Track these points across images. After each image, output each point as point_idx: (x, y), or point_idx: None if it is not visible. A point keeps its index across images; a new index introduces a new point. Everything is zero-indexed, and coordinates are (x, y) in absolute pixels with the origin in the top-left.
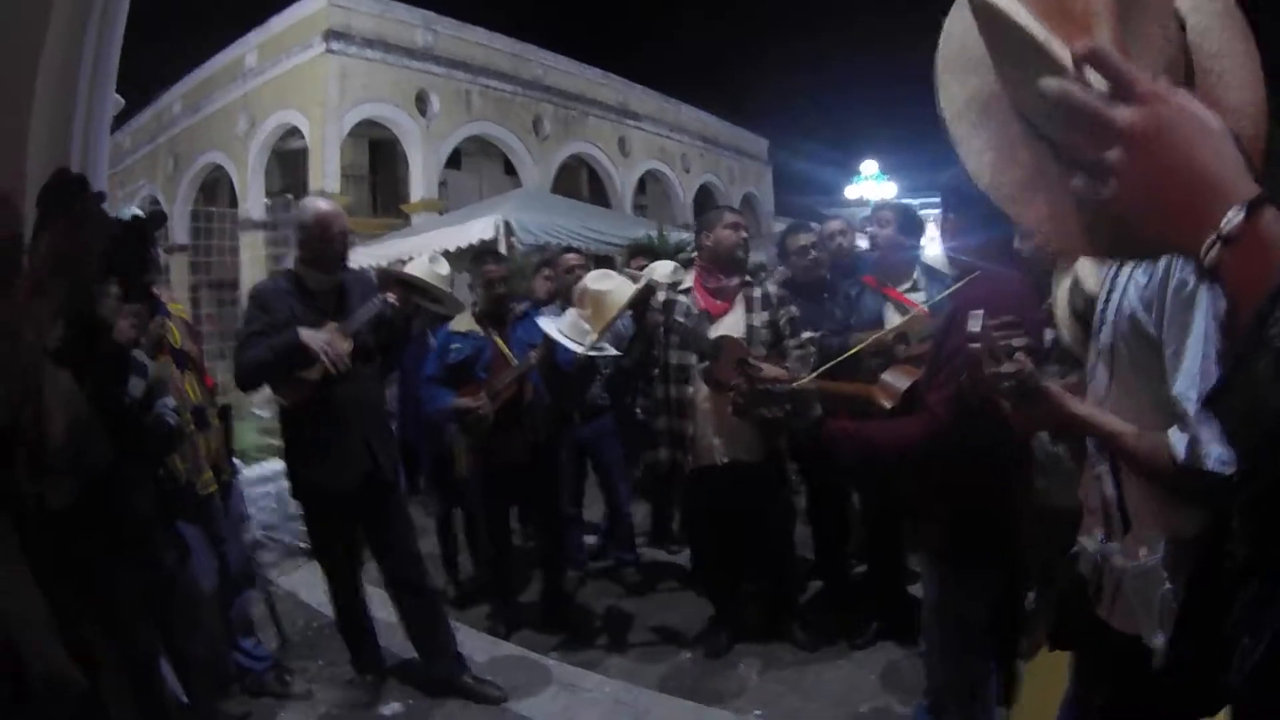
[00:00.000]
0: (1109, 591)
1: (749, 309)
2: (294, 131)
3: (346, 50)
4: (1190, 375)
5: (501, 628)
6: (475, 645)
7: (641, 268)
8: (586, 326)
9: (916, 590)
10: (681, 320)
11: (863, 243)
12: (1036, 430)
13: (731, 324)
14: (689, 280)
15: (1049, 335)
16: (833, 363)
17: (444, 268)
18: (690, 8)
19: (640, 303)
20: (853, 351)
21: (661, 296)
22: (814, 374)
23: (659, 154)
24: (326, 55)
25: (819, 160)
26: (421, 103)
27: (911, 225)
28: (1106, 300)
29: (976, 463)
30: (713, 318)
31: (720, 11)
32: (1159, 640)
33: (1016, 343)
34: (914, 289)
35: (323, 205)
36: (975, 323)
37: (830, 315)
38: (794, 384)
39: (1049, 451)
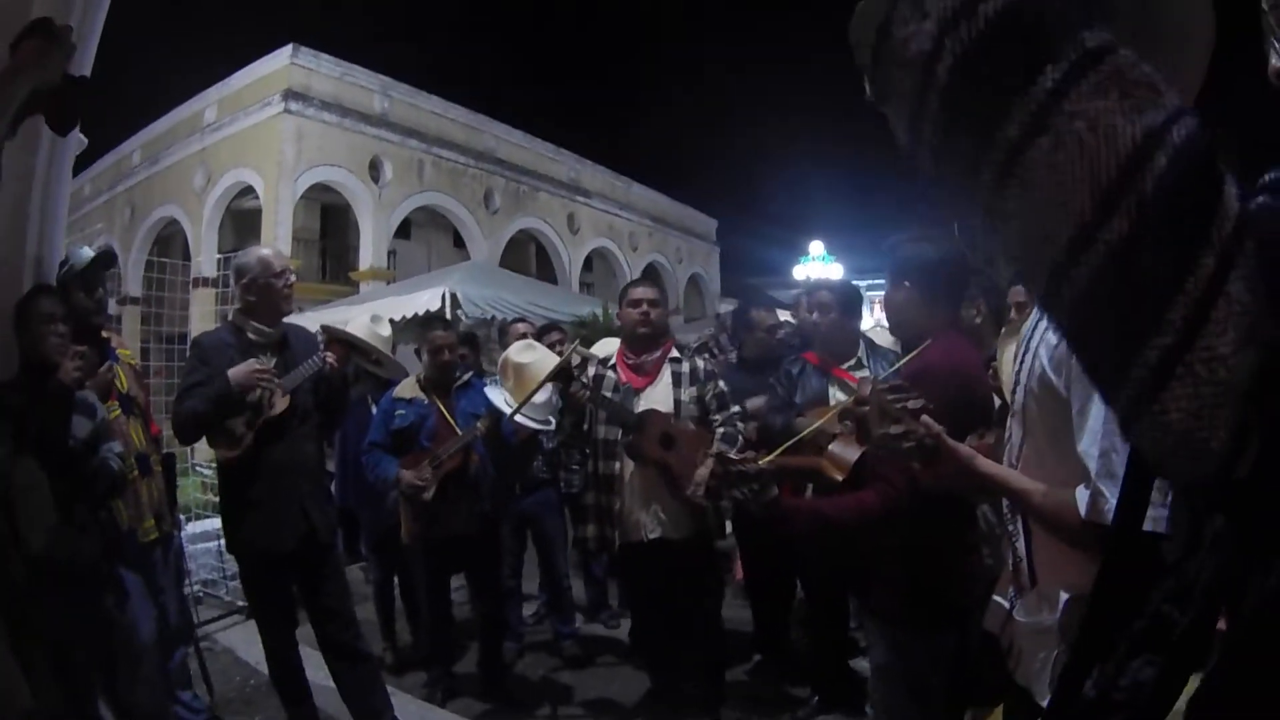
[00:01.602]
0: (1014, 648)
1: (676, 384)
2: (249, 190)
3: (304, 111)
4: (1094, 433)
5: (439, 695)
6: (412, 712)
7: (555, 343)
8: (511, 400)
9: (856, 663)
10: (608, 394)
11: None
12: (949, 488)
13: (658, 397)
14: (614, 356)
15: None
16: (794, 440)
17: (385, 328)
18: (647, 88)
19: (562, 376)
20: (813, 429)
21: (592, 370)
22: (777, 452)
23: (607, 231)
24: (284, 115)
25: (767, 241)
26: (375, 169)
27: (851, 303)
28: (1021, 361)
29: (927, 527)
30: (636, 391)
31: (675, 93)
32: (1045, 701)
33: (911, 405)
34: (859, 365)
35: (266, 251)
36: (865, 386)
37: (773, 393)
38: (760, 463)
39: (989, 519)
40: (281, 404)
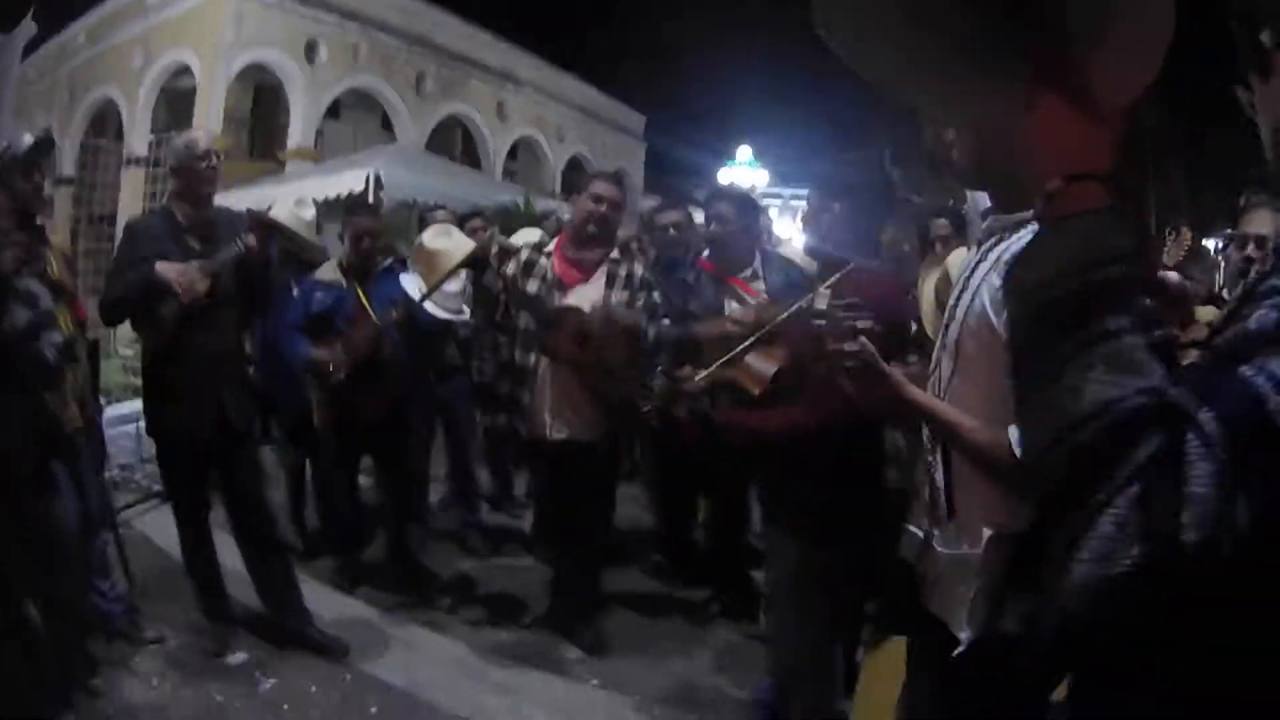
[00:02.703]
0: (930, 578)
1: (609, 285)
2: (185, 70)
3: None
4: None
5: (346, 583)
6: (320, 599)
7: (476, 230)
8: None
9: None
10: (538, 283)
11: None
12: (877, 412)
13: (587, 295)
14: (553, 244)
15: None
16: (728, 356)
17: (308, 213)
18: None
19: (475, 264)
20: (747, 344)
21: (524, 255)
22: (714, 367)
23: (535, 121)
24: None
25: (693, 143)
26: (310, 50)
27: (750, 212)
28: (958, 298)
29: (842, 443)
30: (565, 286)
31: None
32: (964, 633)
33: (860, 324)
34: (754, 277)
35: (192, 134)
36: (822, 301)
37: (667, 302)
38: (697, 379)
39: (898, 442)
40: (202, 287)
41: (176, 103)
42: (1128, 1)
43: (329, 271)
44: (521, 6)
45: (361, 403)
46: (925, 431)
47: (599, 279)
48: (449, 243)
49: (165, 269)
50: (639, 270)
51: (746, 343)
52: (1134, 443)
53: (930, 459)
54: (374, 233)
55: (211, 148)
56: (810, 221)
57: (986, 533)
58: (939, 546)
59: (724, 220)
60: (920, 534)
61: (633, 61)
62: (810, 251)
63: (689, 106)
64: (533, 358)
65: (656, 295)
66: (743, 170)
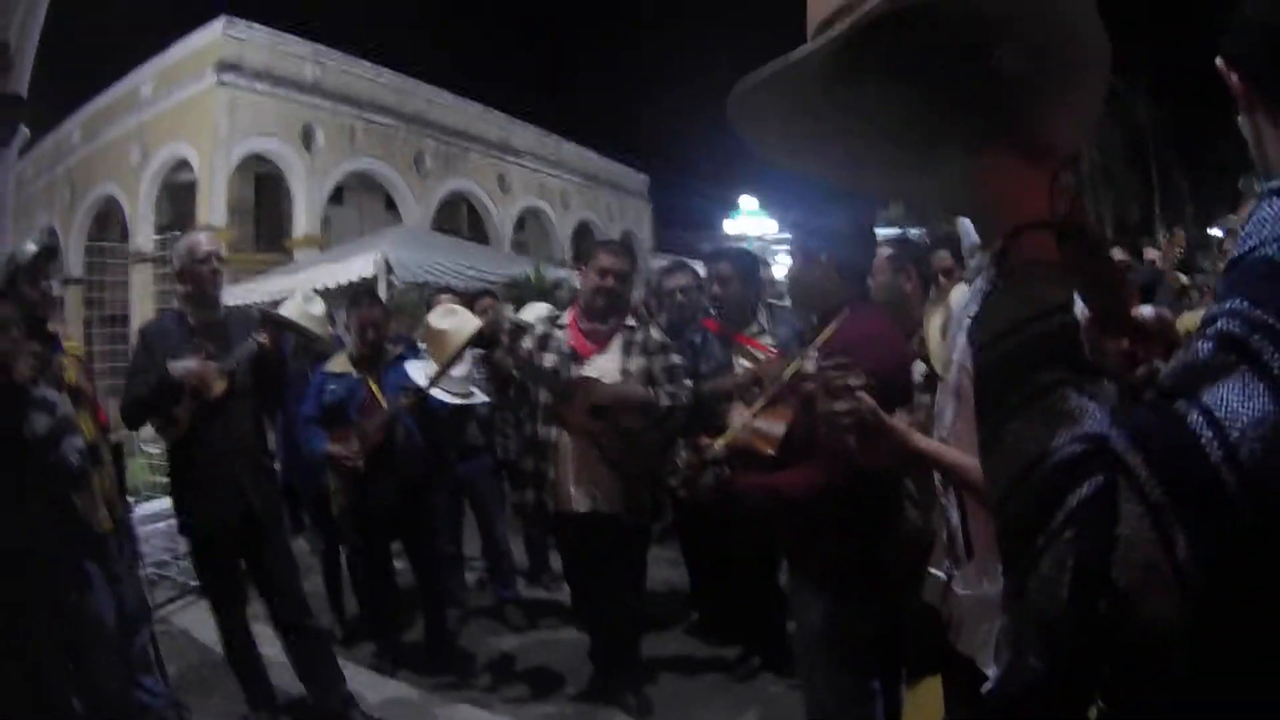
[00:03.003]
0: (955, 620)
1: (627, 351)
2: (184, 164)
3: (237, 82)
4: None
5: (387, 665)
6: (362, 682)
7: (486, 309)
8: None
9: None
10: (554, 356)
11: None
12: (884, 464)
13: (604, 366)
14: (567, 316)
15: (920, 368)
16: (754, 409)
17: (317, 307)
18: (574, 45)
19: (480, 342)
20: (761, 401)
21: (540, 330)
22: (726, 437)
23: (538, 191)
24: (218, 87)
25: (698, 195)
26: (307, 137)
27: (749, 270)
28: (955, 338)
29: (859, 495)
30: (580, 357)
31: (603, 49)
32: (991, 669)
33: (853, 382)
34: (760, 331)
35: (193, 236)
36: (810, 363)
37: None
38: (717, 446)
39: (909, 485)
40: (219, 387)
41: (179, 197)
42: (1063, 54)
43: (339, 364)
44: (513, 77)
45: (377, 489)
46: (937, 477)
47: (615, 348)
48: (455, 322)
49: (179, 369)
50: (655, 335)
51: (754, 408)
52: (1070, 489)
53: (944, 501)
54: (379, 322)
55: (213, 249)
56: (799, 277)
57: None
58: (959, 589)
59: (724, 279)
60: (942, 576)
61: (631, 122)
62: (800, 306)
63: (691, 161)
64: (553, 431)
65: (675, 357)
66: (748, 219)
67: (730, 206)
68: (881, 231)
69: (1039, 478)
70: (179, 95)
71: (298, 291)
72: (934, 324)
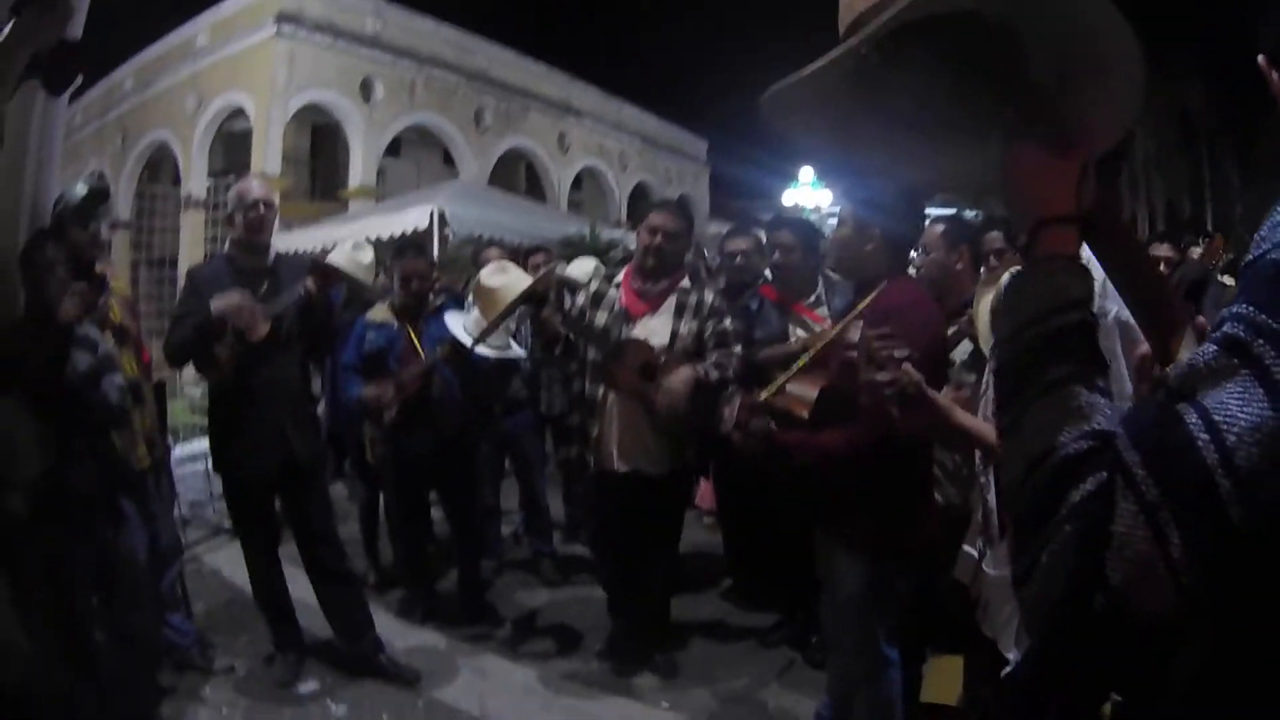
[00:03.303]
0: (982, 599)
1: (679, 314)
2: (239, 113)
3: (296, 34)
4: None
5: (418, 613)
6: (393, 629)
7: (540, 265)
8: (478, 319)
9: None
10: (606, 314)
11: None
12: (925, 436)
13: (655, 327)
14: (621, 275)
15: (967, 347)
16: (782, 379)
17: (366, 255)
18: (640, 9)
19: (532, 300)
20: (800, 363)
21: (594, 285)
22: (774, 386)
23: (597, 151)
24: (276, 38)
25: (757, 165)
26: (366, 89)
27: (812, 240)
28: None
29: (900, 460)
30: (631, 317)
31: (668, 13)
32: (1012, 653)
33: (897, 353)
34: (818, 303)
35: (245, 182)
36: (855, 332)
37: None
38: (762, 396)
39: (954, 459)
40: (262, 330)
41: (233, 145)
42: (1096, 55)
43: (380, 313)
44: (578, 37)
45: (414, 439)
46: (978, 455)
47: (668, 309)
48: (506, 279)
49: (219, 302)
50: (709, 298)
51: (790, 372)
52: (1074, 484)
53: (983, 480)
54: (423, 274)
55: (262, 196)
56: (845, 245)
57: None
58: (988, 568)
59: (786, 248)
60: (975, 554)
61: (693, 87)
62: (843, 273)
63: (753, 130)
64: (600, 389)
65: (728, 322)
66: (806, 191)
67: (789, 177)
68: (936, 210)
69: (1045, 471)
70: (237, 45)
71: (348, 240)
72: (984, 304)
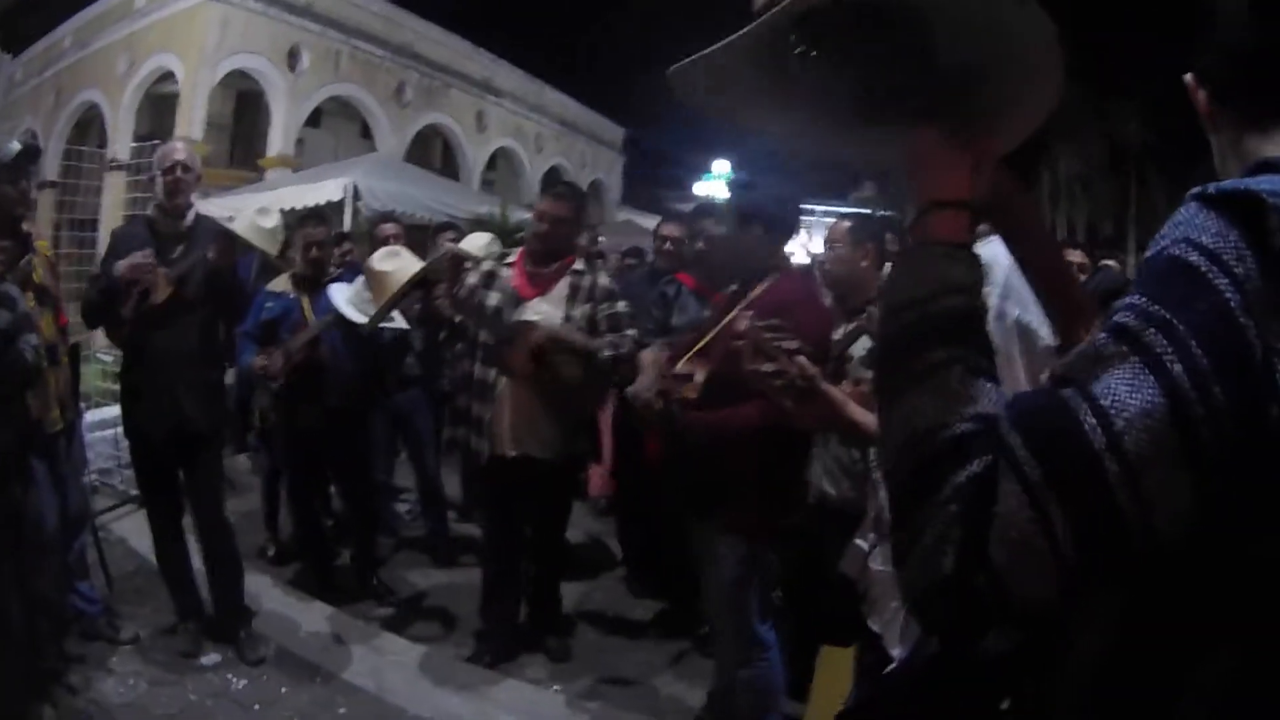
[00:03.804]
0: (870, 594)
1: (572, 297)
2: (168, 76)
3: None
4: None
5: (311, 587)
6: (289, 604)
7: (450, 241)
8: (368, 297)
9: None
10: (498, 295)
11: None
12: (821, 430)
13: (545, 310)
14: (515, 256)
15: (866, 343)
16: (679, 362)
17: (268, 220)
18: None
19: (422, 283)
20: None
21: (486, 266)
22: (682, 362)
23: (514, 132)
24: (210, 2)
25: (673, 155)
26: (293, 58)
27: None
28: None
29: (776, 444)
30: (521, 299)
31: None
32: (895, 650)
33: (787, 345)
34: None
35: (167, 145)
36: (744, 321)
37: (647, 315)
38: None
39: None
40: (163, 293)
41: (160, 107)
42: (1013, 50)
43: (280, 282)
44: (502, 16)
45: (305, 412)
46: (873, 450)
47: (559, 292)
48: (398, 264)
49: (123, 262)
50: (602, 281)
51: (687, 356)
52: (958, 466)
53: (875, 475)
54: (321, 242)
55: (182, 159)
56: (728, 243)
57: None
58: (876, 564)
59: (710, 237)
60: (864, 547)
61: (613, 73)
62: (726, 272)
63: (669, 119)
64: (492, 372)
65: (620, 305)
66: (719, 183)
67: (703, 169)
68: (847, 208)
69: (928, 452)
70: (173, 7)
71: (252, 206)
72: None
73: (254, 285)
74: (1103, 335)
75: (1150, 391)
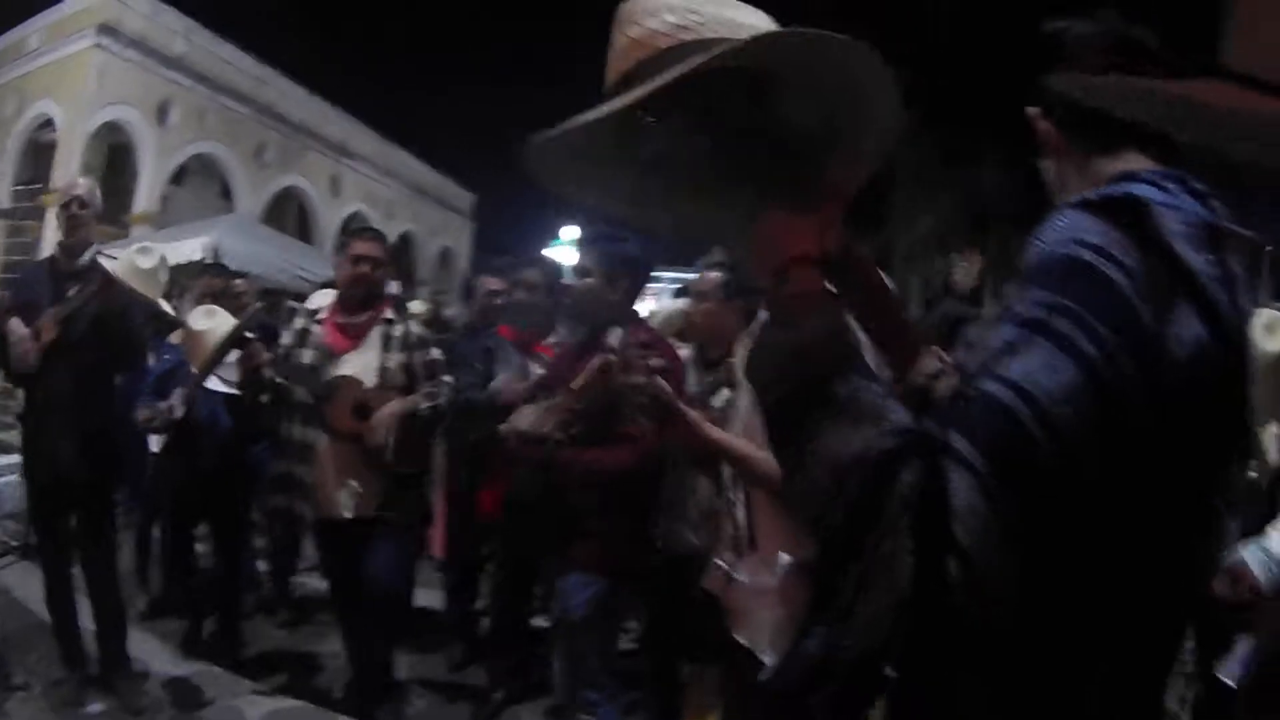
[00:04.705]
0: (736, 609)
1: (385, 348)
2: (49, 123)
3: (111, 47)
4: None
5: (180, 643)
6: (159, 656)
7: (241, 293)
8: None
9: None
10: (312, 353)
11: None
12: (680, 448)
13: (361, 363)
14: (325, 311)
15: (726, 394)
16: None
17: (146, 261)
18: (422, 51)
19: (238, 342)
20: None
21: (299, 323)
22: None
23: (367, 197)
24: (94, 49)
25: (521, 221)
26: (162, 112)
27: (555, 279)
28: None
29: (635, 485)
30: (335, 354)
31: (447, 59)
32: (769, 657)
33: (654, 363)
34: (558, 343)
35: (70, 182)
36: (615, 338)
37: (470, 369)
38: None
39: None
40: (48, 335)
41: (40, 154)
42: (859, 104)
43: (179, 334)
44: (360, 76)
45: (179, 469)
46: (726, 474)
47: (372, 342)
48: (212, 323)
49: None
50: (414, 329)
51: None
52: (895, 477)
53: (731, 497)
54: (219, 294)
55: (80, 194)
56: (588, 295)
57: (784, 561)
58: (741, 578)
59: (531, 287)
60: (724, 565)
61: (464, 139)
62: (580, 320)
63: (518, 185)
64: (312, 432)
65: (434, 352)
66: (569, 249)
67: (552, 235)
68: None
69: (862, 475)
70: (63, 51)
71: (133, 246)
72: (741, 353)
73: (141, 330)
74: (1008, 327)
75: (1068, 373)
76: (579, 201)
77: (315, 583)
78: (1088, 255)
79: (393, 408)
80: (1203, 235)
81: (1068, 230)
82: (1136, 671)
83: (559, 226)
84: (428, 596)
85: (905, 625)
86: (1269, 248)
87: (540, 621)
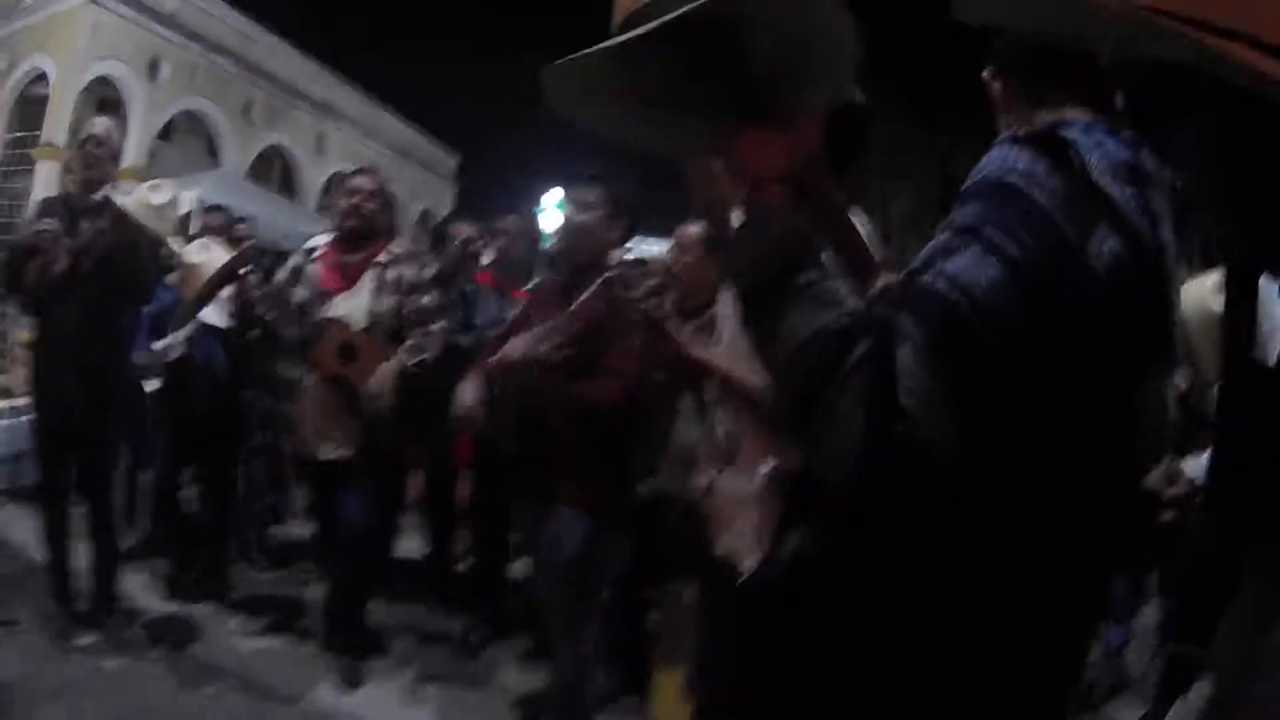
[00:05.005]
0: (716, 518)
1: (378, 290)
2: (41, 78)
3: (105, 2)
4: None
5: (166, 583)
6: (142, 595)
7: (242, 238)
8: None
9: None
10: (305, 292)
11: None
12: (667, 369)
13: (352, 305)
14: (321, 247)
15: None
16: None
17: (159, 196)
18: (417, 17)
19: (232, 276)
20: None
21: (294, 259)
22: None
23: (351, 156)
24: (87, 5)
25: (503, 185)
26: (153, 68)
27: (533, 229)
28: None
29: (624, 425)
30: (327, 295)
31: (444, 28)
32: (748, 562)
33: (650, 282)
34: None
35: (91, 120)
36: (614, 261)
37: (450, 313)
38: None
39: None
40: (62, 264)
41: (30, 109)
42: (822, 46)
43: (175, 276)
44: (348, 32)
45: (175, 409)
46: (710, 391)
47: (365, 285)
48: (207, 256)
49: (23, 231)
50: (408, 274)
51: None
52: (848, 350)
53: (716, 415)
54: (216, 231)
55: (96, 133)
56: (585, 229)
57: (762, 469)
58: (721, 487)
59: (510, 236)
60: (706, 480)
61: (449, 100)
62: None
63: (502, 148)
64: (299, 371)
65: (427, 299)
66: (551, 213)
67: (534, 199)
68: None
69: (818, 347)
70: (56, 7)
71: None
72: (725, 300)
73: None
74: (947, 233)
75: (992, 269)
76: (585, 124)
77: (299, 530)
78: (1014, 179)
79: (391, 366)
80: (1124, 173)
81: (999, 160)
82: (1076, 558)
83: (540, 192)
84: (406, 545)
85: (867, 479)
86: (1177, 183)
87: (517, 568)
